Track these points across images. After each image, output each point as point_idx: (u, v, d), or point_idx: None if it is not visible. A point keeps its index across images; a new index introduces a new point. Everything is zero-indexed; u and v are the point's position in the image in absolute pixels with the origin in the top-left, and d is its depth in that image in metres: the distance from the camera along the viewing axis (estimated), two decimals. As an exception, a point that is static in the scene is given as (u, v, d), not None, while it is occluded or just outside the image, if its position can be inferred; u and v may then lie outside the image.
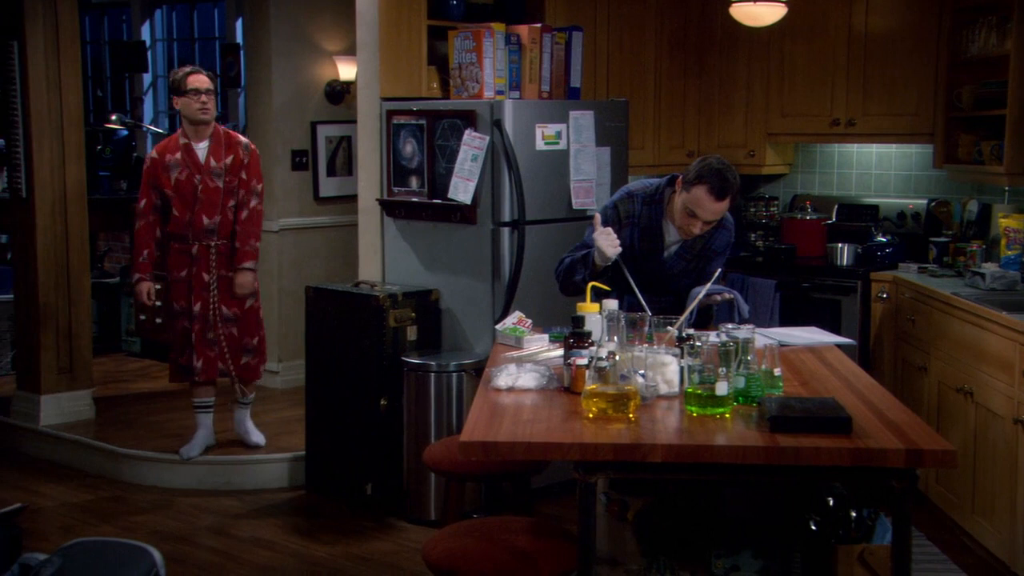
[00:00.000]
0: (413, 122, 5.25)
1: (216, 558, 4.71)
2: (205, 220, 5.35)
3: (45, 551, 3.20)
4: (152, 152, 5.41)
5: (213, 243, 5.38)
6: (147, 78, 9.81)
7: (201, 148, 5.34)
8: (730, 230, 4.06)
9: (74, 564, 3.01)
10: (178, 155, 5.33)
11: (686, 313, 3.48)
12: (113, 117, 8.85)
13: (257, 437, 5.64)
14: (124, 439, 5.87)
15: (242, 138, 5.48)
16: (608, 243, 3.76)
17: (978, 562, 4.51)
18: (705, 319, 3.96)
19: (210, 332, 5.42)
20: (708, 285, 3.68)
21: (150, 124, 9.47)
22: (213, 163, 5.33)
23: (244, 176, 5.39)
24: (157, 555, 3.12)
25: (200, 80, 5.30)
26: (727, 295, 3.84)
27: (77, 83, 6.19)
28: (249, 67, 7.08)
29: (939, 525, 4.82)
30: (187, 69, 5.35)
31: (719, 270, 3.85)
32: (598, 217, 3.87)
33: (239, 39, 8.49)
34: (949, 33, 5.50)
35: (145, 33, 9.78)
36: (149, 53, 9.71)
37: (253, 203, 5.43)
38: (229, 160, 5.36)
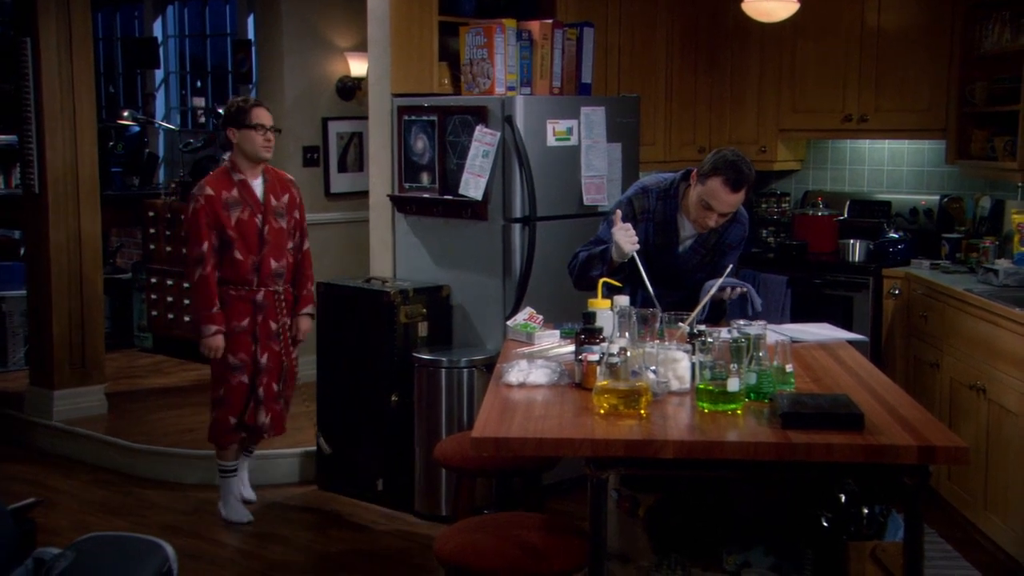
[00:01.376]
0: (424, 118, 5.25)
1: (228, 553, 4.73)
2: (273, 264, 4.84)
3: (59, 545, 3.21)
4: (206, 189, 4.75)
5: (280, 288, 4.90)
6: (159, 74, 9.84)
7: (257, 185, 4.84)
8: (744, 224, 4.06)
9: (88, 558, 3.02)
10: (234, 192, 4.77)
11: (698, 308, 3.47)
12: (125, 113, 8.90)
13: (249, 493, 5.22)
14: (137, 434, 5.89)
15: (288, 175, 5.07)
16: (626, 239, 3.75)
17: (990, 559, 4.50)
18: (718, 313, 3.96)
19: (277, 384, 4.94)
20: (721, 279, 3.68)
21: (162, 120, 9.49)
22: (274, 202, 4.86)
23: (298, 216, 4.99)
24: (170, 550, 3.13)
25: (265, 116, 4.79)
26: (741, 288, 3.84)
27: (89, 80, 6.21)
28: (261, 63, 7.10)
29: (951, 522, 4.81)
30: (249, 100, 4.88)
31: (732, 264, 3.85)
32: (619, 212, 3.86)
33: (251, 35, 8.51)
34: (962, 29, 5.47)
35: (157, 30, 9.80)
36: (161, 49, 9.74)
37: (307, 245, 5.05)
38: (285, 199, 4.92)
